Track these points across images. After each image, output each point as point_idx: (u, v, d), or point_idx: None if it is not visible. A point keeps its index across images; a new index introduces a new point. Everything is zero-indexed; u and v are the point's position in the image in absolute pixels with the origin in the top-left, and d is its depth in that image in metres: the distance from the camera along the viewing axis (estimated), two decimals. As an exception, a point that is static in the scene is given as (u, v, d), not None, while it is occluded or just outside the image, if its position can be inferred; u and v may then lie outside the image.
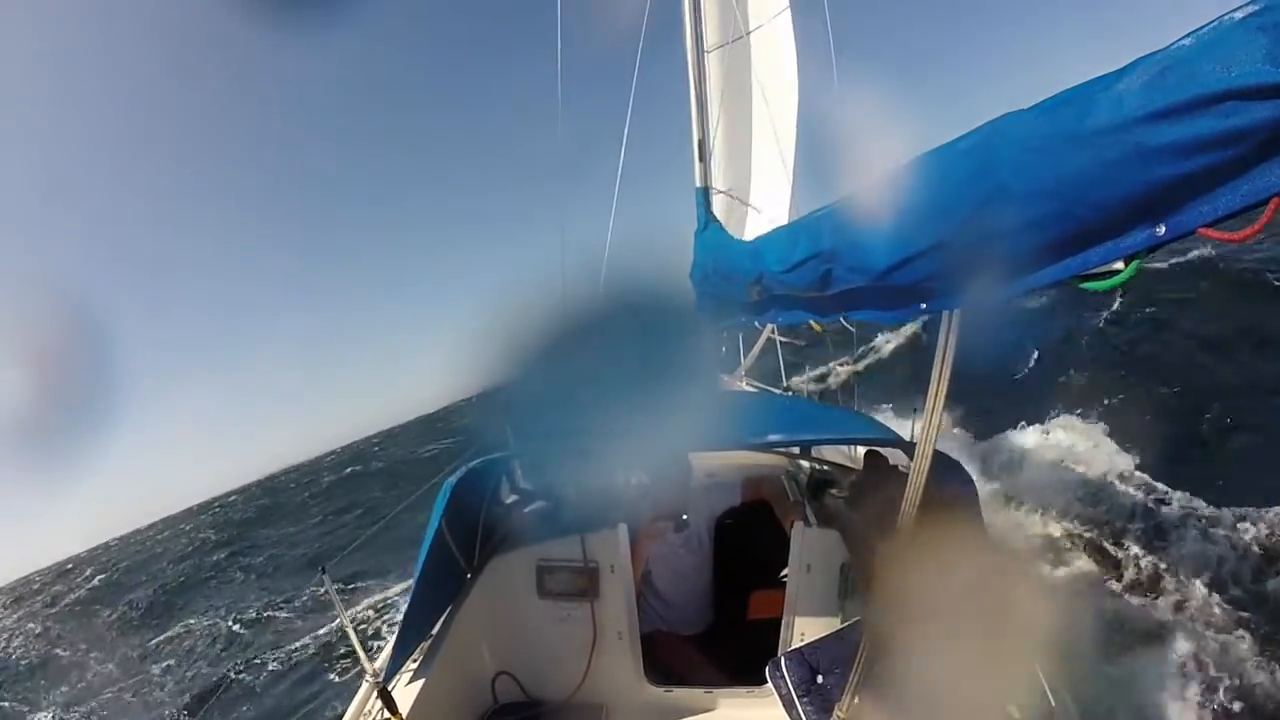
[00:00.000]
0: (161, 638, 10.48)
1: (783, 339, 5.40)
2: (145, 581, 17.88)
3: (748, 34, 4.55)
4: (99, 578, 23.56)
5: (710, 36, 4.55)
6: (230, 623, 9.84)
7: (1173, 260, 9.01)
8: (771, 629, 2.51)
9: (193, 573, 16.81)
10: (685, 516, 2.67)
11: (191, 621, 10.86)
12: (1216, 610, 3.98)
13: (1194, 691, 3.46)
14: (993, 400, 7.43)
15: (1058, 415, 6.98)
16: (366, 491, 21.22)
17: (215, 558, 18.12)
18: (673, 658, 2.72)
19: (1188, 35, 0.72)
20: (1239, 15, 0.67)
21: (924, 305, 1.24)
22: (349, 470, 31.97)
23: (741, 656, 2.57)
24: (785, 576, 2.51)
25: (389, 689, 1.97)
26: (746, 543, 2.94)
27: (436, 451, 23.95)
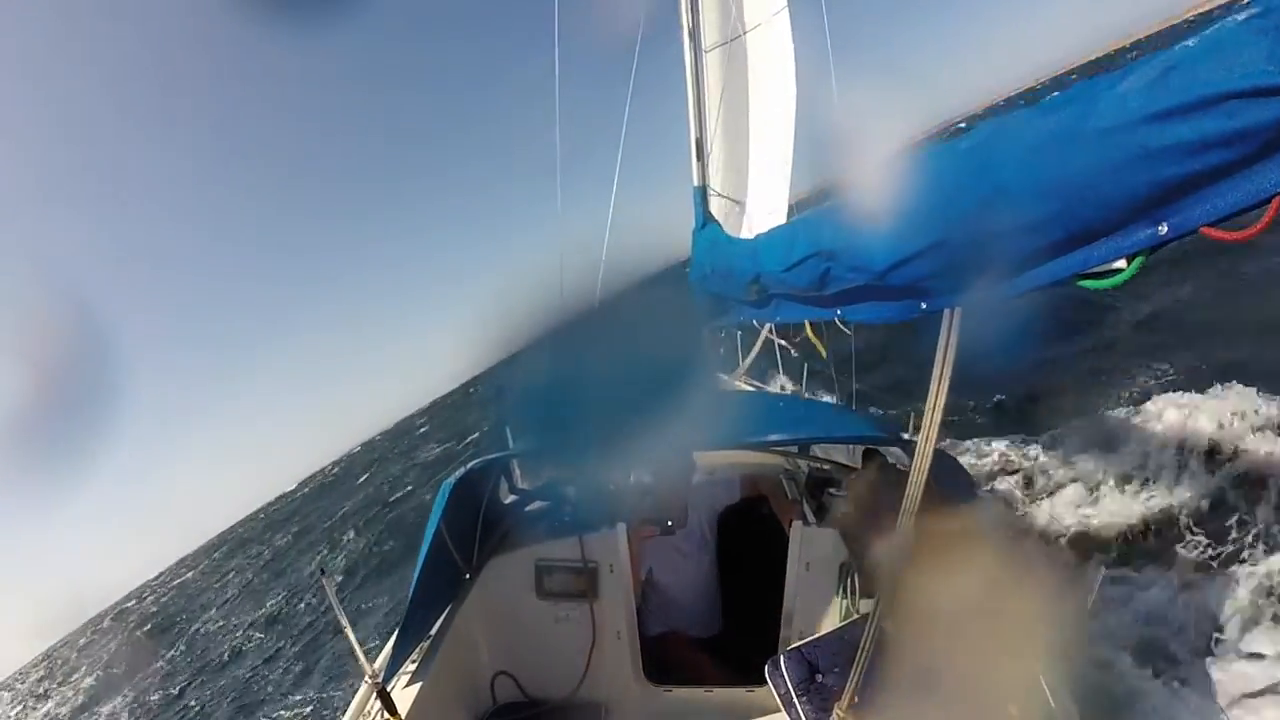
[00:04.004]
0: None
1: (780, 341, 5.38)
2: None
3: (745, 33, 4.54)
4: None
5: (709, 35, 4.54)
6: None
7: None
8: (771, 627, 2.50)
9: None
10: (681, 518, 2.67)
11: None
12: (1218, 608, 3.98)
13: (1194, 690, 3.46)
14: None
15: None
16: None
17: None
18: (681, 659, 2.71)
19: (1190, 37, 0.72)
20: (1241, 17, 0.68)
21: (924, 304, 1.24)
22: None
23: (742, 655, 2.57)
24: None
25: (388, 689, 1.97)
26: (748, 541, 2.94)
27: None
